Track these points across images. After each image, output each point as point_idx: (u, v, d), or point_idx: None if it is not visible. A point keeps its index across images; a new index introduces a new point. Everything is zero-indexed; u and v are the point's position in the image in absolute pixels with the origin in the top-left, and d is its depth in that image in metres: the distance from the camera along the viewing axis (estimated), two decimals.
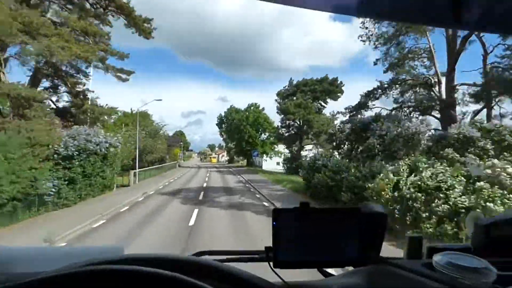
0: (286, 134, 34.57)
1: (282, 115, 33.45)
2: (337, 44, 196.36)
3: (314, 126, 30.51)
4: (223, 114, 54.81)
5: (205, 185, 20.90)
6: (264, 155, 45.99)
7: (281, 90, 35.88)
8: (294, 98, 32.72)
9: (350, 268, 0.75)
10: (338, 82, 33.05)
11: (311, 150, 29.57)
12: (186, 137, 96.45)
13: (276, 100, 35.98)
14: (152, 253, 0.58)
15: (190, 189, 18.71)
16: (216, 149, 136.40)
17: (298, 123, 32.87)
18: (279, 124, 35.61)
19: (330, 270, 0.78)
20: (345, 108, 20.73)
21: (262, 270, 0.67)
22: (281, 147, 41.02)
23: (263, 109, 47.49)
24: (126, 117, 30.36)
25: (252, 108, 47.84)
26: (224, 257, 0.83)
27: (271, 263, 0.70)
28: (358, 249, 0.71)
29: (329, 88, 32.82)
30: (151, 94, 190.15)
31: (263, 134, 46.80)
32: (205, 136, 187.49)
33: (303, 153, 31.21)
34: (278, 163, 39.96)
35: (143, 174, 23.64)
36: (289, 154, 34.60)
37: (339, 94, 33.27)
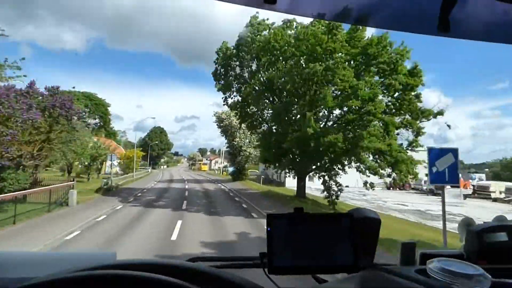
0: None
1: None
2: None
3: None
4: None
5: None
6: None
7: None
8: None
9: (344, 274, 0.75)
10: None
11: None
12: (168, 137, 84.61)
13: None
14: (146, 258, 0.58)
15: None
16: (208, 153, 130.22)
17: None
18: None
19: (324, 276, 0.79)
20: None
21: (257, 276, 0.65)
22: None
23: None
24: None
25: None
26: (219, 263, 0.84)
27: (266, 269, 0.70)
28: (352, 254, 0.72)
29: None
30: (147, 98, 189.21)
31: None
32: (197, 142, 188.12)
33: None
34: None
35: None
36: None
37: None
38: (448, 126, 15.71)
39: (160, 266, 0.55)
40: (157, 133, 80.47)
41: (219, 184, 30.99)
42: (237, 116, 22.95)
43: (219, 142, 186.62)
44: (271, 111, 19.03)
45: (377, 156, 15.42)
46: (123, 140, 79.15)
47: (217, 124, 38.34)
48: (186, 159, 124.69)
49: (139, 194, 20.01)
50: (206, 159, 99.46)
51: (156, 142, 77.66)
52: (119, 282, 0.46)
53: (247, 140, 37.03)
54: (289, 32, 18.28)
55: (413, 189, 33.08)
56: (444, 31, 0.68)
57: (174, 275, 0.48)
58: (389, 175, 15.69)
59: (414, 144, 15.65)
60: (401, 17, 0.73)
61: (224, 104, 21.93)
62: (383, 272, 0.71)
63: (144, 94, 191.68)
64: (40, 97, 14.69)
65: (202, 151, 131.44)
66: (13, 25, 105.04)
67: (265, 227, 0.72)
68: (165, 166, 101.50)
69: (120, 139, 79.27)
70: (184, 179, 37.66)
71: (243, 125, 24.19)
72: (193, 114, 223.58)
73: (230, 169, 45.43)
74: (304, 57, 15.82)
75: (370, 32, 16.86)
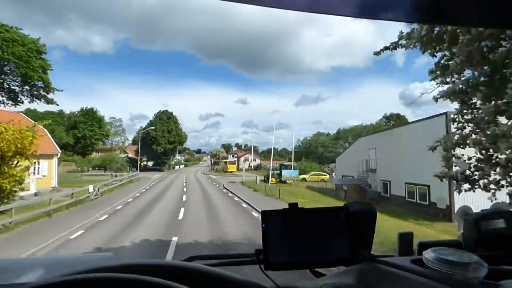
0: None
1: None
2: (361, 43, 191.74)
3: None
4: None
5: None
6: None
7: None
8: None
9: (342, 267, 0.75)
10: None
11: None
12: (179, 125, 59.99)
13: None
14: (143, 259, 0.58)
15: None
16: (234, 149, 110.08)
17: None
18: None
19: (322, 270, 0.78)
20: None
21: (254, 273, 0.67)
22: None
23: None
24: None
25: None
26: (215, 261, 0.84)
27: (262, 266, 0.70)
28: (349, 247, 0.72)
29: None
30: (172, 97, 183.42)
31: None
32: (220, 139, 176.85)
33: None
34: None
35: None
36: None
37: None
38: None
39: (156, 267, 0.55)
40: (164, 120, 57.29)
41: None
42: None
43: (243, 139, 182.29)
44: None
45: None
46: (114, 131, 56.32)
47: None
48: (208, 156, 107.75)
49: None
50: (232, 156, 76.40)
51: (160, 132, 54.63)
52: (116, 285, 0.45)
53: None
54: None
55: None
56: (436, 19, 0.71)
57: (170, 276, 0.48)
58: None
59: None
60: (390, 7, 0.72)
61: None
62: (380, 264, 0.71)
63: (170, 93, 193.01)
64: None
65: (227, 147, 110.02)
66: (45, 30, 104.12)
67: None
68: (181, 167, 79.25)
69: (113, 129, 57.35)
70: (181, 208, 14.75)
71: None
72: (217, 111, 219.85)
73: (289, 172, 30.45)
74: None
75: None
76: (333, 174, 37.49)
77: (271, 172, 33.84)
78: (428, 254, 0.63)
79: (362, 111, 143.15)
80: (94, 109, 56.87)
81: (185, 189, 23.67)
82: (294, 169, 35.39)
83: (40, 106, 57.03)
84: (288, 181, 32.21)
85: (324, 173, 40.71)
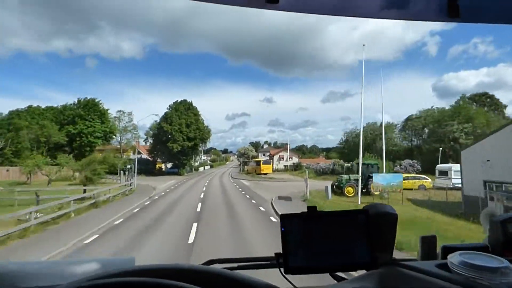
0: None
1: None
2: (389, 35, 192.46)
3: None
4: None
5: None
6: None
7: None
8: None
9: (363, 272, 0.73)
10: None
11: None
12: (201, 117, 48.07)
13: None
14: (163, 263, 0.58)
15: None
16: (265, 146, 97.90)
17: None
18: None
19: (342, 274, 0.77)
20: None
21: (274, 277, 0.66)
22: None
23: None
24: None
25: None
26: (235, 264, 0.83)
27: (282, 269, 0.70)
28: (369, 251, 0.70)
29: None
30: (198, 98, 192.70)
31: None
32: (246, 139, 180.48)
33: None
34: None
35: None
36: None
37: None
38: None
39: (177, 270, 0.56)
40: (181, 112, 45.56)
41: None
42: None
43: (268, 138, 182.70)
44: None
45: None
46: (123, 127, 45.49)
47: None
48: (235, 156, 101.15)
49: None
50: (263, 155, 64.57)
51: (177, 126, 42.91)
52: None
53: None
54: None
55: None
56: (455, 16, 0.67)
57: (190, 279, 0.49)
58: None
59: None
60: (409, 6, 0.72)
61: None
62: (403, 268, 0.68)
63: (196, 94, 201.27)
64: None
65: (255, 145, 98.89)
66: (78, 39, 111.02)
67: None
68: (206, 168, 68.33)
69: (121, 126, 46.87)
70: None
71: None
72: (243, 111, 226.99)
73: (384, 178, 17.97)
74: None
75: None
76: (450, 177, 23.32)
77: (344, 177, 20.57)
78: (453, 258, 0.60)
79: (391, 105, 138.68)
80: (96, 100, 45.82)
81: (194, 230, 9.73)
82: (374, 168, 21.69)
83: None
84: (376, 192, 18.69)
85: (425, 176, 26.50)
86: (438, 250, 0.80)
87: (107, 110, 47.52)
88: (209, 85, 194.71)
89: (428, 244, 0.79)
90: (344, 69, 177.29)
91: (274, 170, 52.76)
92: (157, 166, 49.08)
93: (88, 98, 46.28)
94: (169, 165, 49.72)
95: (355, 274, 0.74)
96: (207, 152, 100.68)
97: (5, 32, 74.86)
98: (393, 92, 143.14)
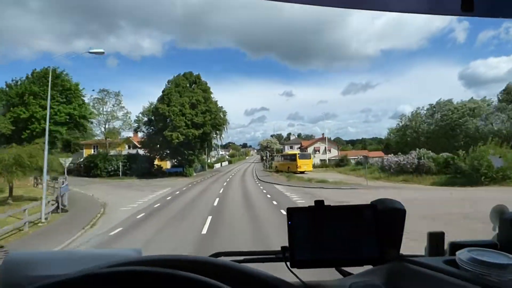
0: None
1: None
2: (413, 22, 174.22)
3: None
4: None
5: None
6: None
7: None
8: None
9: (369, 267, 0.73)
10: None
11: None
12: (214, 100, 36.13)
13: None
14: (170, 254, 0.59)
15: None
16: (292, 137, 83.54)
17: None
18: None
19: (348, 269, 0.77)
20: None
21: (280, 270, 0.66)
22: None
23: None
24: None
25: None
26: (241, 257, 0.83)
27: (288, 263, 0.70)
28: (377, 246, 0.70)
29: None
30: (217, 93, 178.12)
31: None
32: (265, 133, 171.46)
33: None
34: None
35: None
36: None
37: None
38: None
39: (184, 262, 0.56)
40: (183, 88, 32.42)
41: None
42: None
43: (288, 131, 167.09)
44: None
45: None
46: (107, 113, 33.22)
47: None
48: (255, 150, 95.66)
49: None
50: (291, 147, 51.52)
51: (177, 108, 30.04)
52: (145, 278, 0.47)
53: None
54: None
55: None
56: (468, 10, 0.67)
57: (197, 271, 0.49)
58: None
59: None
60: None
61: None
62: (410, 264, 0.68)
63: (215, 90, 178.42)
64: None
65: (278, 137, 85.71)
66: (99, 38, 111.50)
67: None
68: (223, 164, 56.67)
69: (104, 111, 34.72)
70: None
71: None
72: (262, 105, 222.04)
73: None
74: None
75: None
76: None
77: None
78: (462, 255, 0.61)
79: (415, 96, 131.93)
80: (58, 71, 31.23)
81: None
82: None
83: None
84: None
85: None
86: (446, 246, 0.79)
87: (78, 85, 34.74)
88: (228, 80, 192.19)
89: (436, 240, 0.79)
90: (366, 60, 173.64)
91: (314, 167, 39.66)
92: (155, 164, 36.82)
93: (47, 67, 31.00)
94: (171, 162, 37.36)
95: (361, 269, 0.74)
96: (225, 146, 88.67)
97: (31, 35, 76.38)
98: (417, 81, 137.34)
